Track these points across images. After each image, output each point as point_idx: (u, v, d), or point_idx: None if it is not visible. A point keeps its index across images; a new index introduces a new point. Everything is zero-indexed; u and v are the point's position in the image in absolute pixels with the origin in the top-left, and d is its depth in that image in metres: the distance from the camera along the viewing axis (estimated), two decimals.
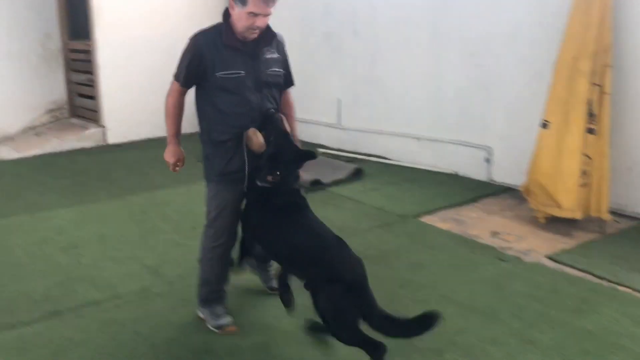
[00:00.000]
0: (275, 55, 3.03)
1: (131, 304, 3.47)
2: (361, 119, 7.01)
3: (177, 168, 3.14)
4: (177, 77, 2.98)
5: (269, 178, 2.81)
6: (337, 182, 5.78)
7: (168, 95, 3.02)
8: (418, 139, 6.40)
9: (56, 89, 8.34)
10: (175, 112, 3.02)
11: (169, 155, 3.10)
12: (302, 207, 2.89)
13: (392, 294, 3.57)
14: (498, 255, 4.13)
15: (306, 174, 5.71)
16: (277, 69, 3.04)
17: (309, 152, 2.93)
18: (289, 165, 2.86)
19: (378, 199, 5.35)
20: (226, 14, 2.91)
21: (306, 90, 7.60)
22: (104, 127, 7.75)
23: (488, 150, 5.74)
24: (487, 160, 5.75)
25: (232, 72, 2.88)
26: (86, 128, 7.86)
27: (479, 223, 4.77)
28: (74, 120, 8.37)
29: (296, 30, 7.61)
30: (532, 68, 5.27)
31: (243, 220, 3.02)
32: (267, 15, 2.83)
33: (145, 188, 5.78)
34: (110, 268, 3.98)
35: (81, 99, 8.31)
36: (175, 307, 3.44)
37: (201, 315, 3.27)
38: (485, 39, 5.61)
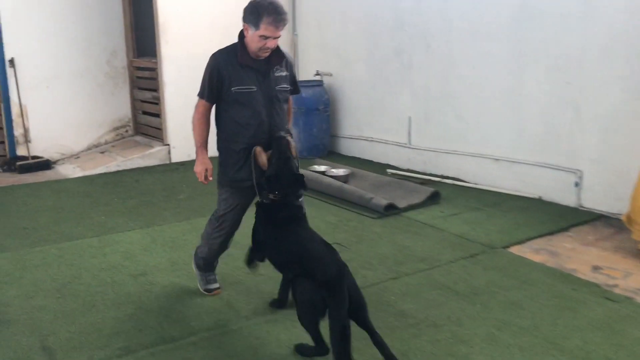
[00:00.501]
0: (284, 73, 3.37)
1: (207, 342, 3.23)
2: (433, 138, 6.66)
3: (209, 179, 3.46)
4: (201, 94, 3.37)
5: (270, 196, 3.16)
6: (412, 207, 5.44)
7: (195, 111, 3.40)
8: (496, 160, 6.00)
9: (121, 107, 8.34)
10: (202, 126, 3.39)
11: (201, 167, 3.42)
12: (299, 219, 3.20)
13: (490, 337, 3.22)
14: (605, 294, 3.71)
15: (380, 197, 5.41)
16: (285, 86, 3.39)
17: (302, 181, 3.23)
18: (286, 187, 3.16)
19: (459, 225, 4.99)
20: (241, 35, 3.26)
21: (374, 107, 7.33)
22: (168, 145, 7.66)
23: (578, 173, 5.30)
24: (577, 185, 5.31)
25: (245, 88, 3.25)
26: (150, 146, 7.79)
27: (576, 255, 4.34)
28: (138, 138, 8.34)
29: (364, 46, 7.36)
30: (631, 84, 4.83)
31: (252, 236, 3.34)
32: (276, 37, 3.18)
33: (212, 210, 5.56)
34: (183, 299, 3.76)
35: (145, 116, 8.28)
36: (254, 346, 3.18)
37: (196, 274, 3.84)
38: (575, 52, 5.20)
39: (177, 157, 7.67)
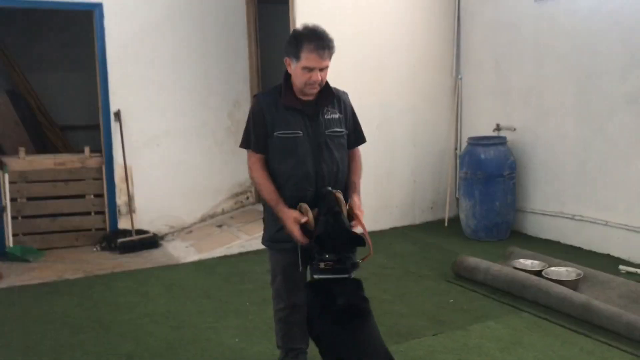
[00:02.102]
0: (337, 116, 2.98)
1: None
2: None
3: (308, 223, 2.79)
4: (246, 144, 2.97)
5: (322, 265, 2.69)
6: None
7: (251, 169, 2.97)
8: None
9: (242, 169, 6.71)
10: (267, 181, 2.91)
11: (291, 222, 2.78)
12: (363, 312, 2.72)
13: None
14: None
15: None
16: (337, 129, 2.97)
17: (359, 238, 2.71)
18: (340, 247, 2.70)
19: None
20: (286, 75, 2.91)
21: (587, 175, 5.36)
22: None
23: None
24: None
25: (290, 132, 2.87)
26: None
27: None
28: (261, 207, 6.70)
29: (571, 91, 5.45)
30: None
31: (308, 329, 2.86)
32: (322, 68, 2.81)
33: (385, 332, 3.73)
34: None
35: None
36: None
37: None
38: None
39: None
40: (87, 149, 6.24)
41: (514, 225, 5.96)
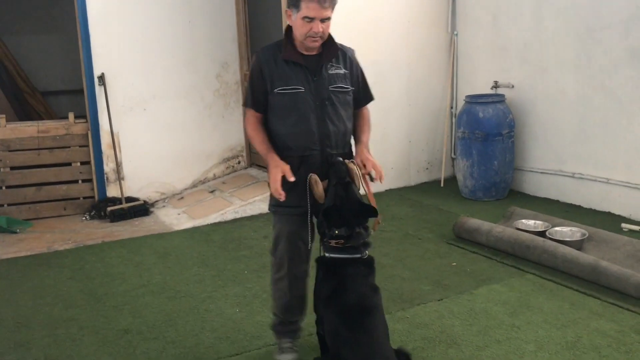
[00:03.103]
0: (342, 71, 2.82)
1: None
2: None
3: (291, 178, 2.64)
4: (246, 103, 2.88)
5: (332, 243, 2.59)
6: None
7: (245, 123, 2.92)
8: None
9: (233, 132, 6.62)
10: (259, 134, 2.82)
11: (276, 172, 2.63)
12: (372, 309, 2.57)
13: None
14: None
15: None
16: (342, 85, 2.81)
17: (370, 208, 2.62)
18: (349, 222, 2.58)
19: None
20: (287, 29, 2.80)
21: (587, 132, 5.28)
22: None
23: None
24: None
25: (290, 88, 2.73)
26: None
27: None
28: (253, 172, 6.60)
29: (571, 46, 5.28)
30: None
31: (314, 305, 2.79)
32: (324, 19, 2.65)
33: (389, 297, 3.66)
34: None
35: None
36: None
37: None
38: None
39: None
40: (71, 115, 6.00)
41: (512, 184, 5.88)
